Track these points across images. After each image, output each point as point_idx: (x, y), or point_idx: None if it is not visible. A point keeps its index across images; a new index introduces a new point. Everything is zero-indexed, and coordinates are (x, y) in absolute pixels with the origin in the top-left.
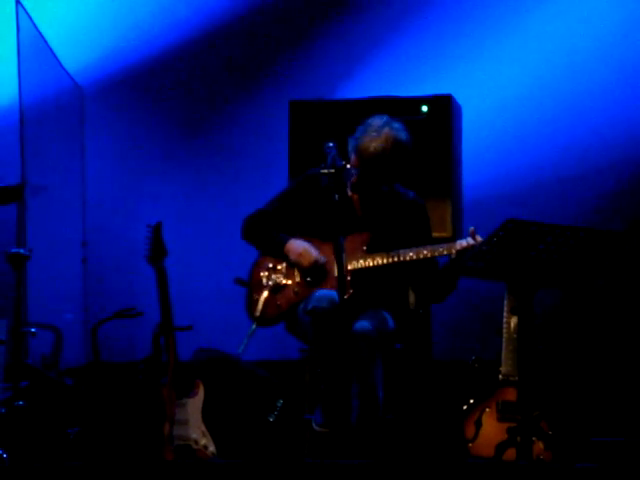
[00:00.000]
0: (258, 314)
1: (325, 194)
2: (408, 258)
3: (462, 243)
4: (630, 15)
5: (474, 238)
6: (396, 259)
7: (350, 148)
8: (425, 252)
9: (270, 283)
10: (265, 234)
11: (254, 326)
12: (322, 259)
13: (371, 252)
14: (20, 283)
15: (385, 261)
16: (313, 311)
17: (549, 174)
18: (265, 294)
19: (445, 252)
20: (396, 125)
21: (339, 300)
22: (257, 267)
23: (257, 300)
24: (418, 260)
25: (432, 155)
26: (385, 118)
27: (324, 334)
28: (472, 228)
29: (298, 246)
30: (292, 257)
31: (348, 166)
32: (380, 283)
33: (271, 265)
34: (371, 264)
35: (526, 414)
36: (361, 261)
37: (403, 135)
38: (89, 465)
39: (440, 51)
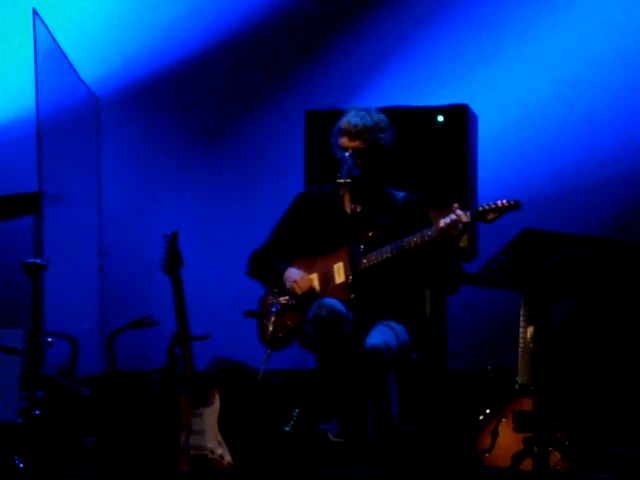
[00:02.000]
0: (269, 338)
1: (328, 204)
2: (401, 248)
3: (446, 221)
4: None
5: (455, 213)
6: (391, 253)
7: (335, 138)
8: (415, 239)
9: (277, 306)
10: (266, 268)
11: (269, 352)
12: (317, 288)
13: (367, 253)
14: (37, 293)
15: (381, 257)
16: (312, 321)
17: (565, 184)
18: (273, 318)
19: (434, 235)
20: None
21: (349, 306)
22: (264, 297)
23: (267, 325)
24: (417, 252)
25: (448, 164)
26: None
27: (326, 343)
28: (455, 204)
29: (294, 275)
30: (287, 286)
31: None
32: (388, 288)
33: (276, 290)
34: (369, 263)
35: (543, 424)
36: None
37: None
38: (105, 475)
39: (456, 61)
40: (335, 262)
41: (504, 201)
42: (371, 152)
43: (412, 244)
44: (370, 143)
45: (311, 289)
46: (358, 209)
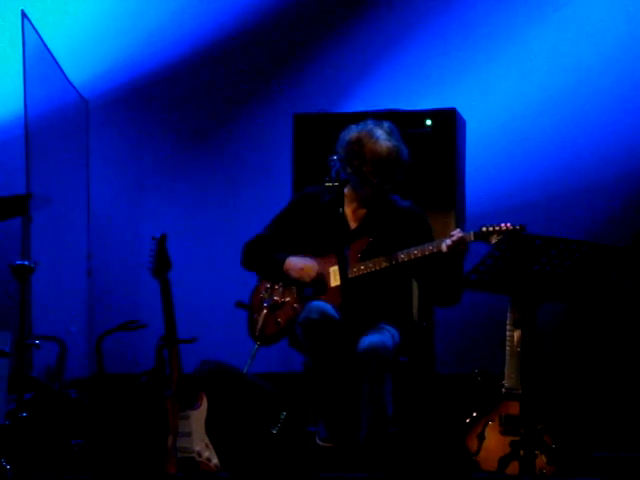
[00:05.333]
0: (258, 333)
1: (328, 207)
2: (400, 260)
3: (447, 243)
4: (636, 27)
5: (458, 234)
6: (388, 263)
7: (352, 160)
8: (415, 252)
9: (269, 302)
10: (263, 258)
11: (257, 346)
12: (323, 273)
13: (364, 260)
14: (25, 295)
15: (378, 266)
16: (303, 323)
17: (553, 188)
18: (264, 313)
19: (435, 250)
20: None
21: (340, 311)
22: (256, 290)
23: (257, 320)
24: (417, 263)
25: (436, 168)
26: (370, 122)
27: (316, 345)
28: (457, 229)
29: (298, 262)
30: (293, 274)
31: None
32: (380, 294)
33: (269, 285)
34: (365, 271)
35: (529, 428)
36: (354, 269)
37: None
38: (93, 478)
39: (445, 65)
40: (331, 265)
41: (508, 224)
42: (395, 176)
43: (412, 257)
44: (396, 169)
45: (320, 274)
46: (360, 214)
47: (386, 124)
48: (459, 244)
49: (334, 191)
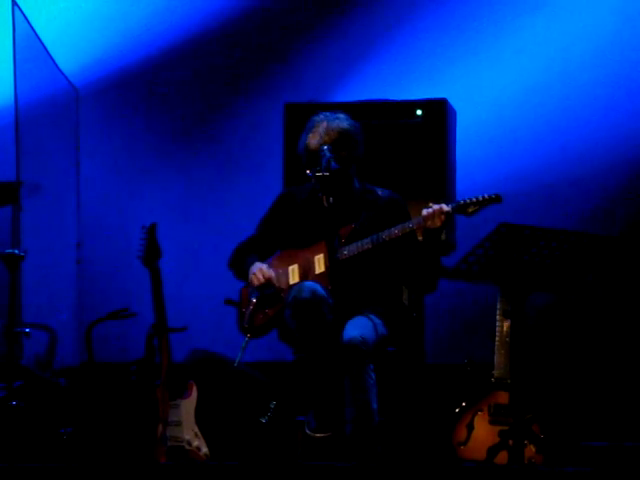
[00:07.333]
0: (247, 325)
1: (308, 201)
2: (382, 240)
3: (428, 210)
4: (624, 19)
5: (437, 204)
6: (369, 246)
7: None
8: (396, 231)
9: (256, 295)
10: (239, 261)
11: (247, 338)
12: (276, 283)
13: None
14: (14, 284)
15: (360, 250)
16: (293, 302)
17: (543, 178)
18: (252, 306)
19: (415, 226)
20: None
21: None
22: (244, 287)
23: (245, 313)
24: (399, 247)
25: (427, 159)
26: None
27: (305, 324)
28: (431, 202)
29: (256, 266)
30: (249, 277)
31: (318, 174)
32: (366, 280)
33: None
34: (350, 254)
35: (518, 417)
36: (344, 252)
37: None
38: (82, 466)
39: (435, 55)
40: (316, 254)
41: (485, 195)
42: (354, 146)
43: (393, 236)
44: (353, 138)
45: (269, 280)
46: (338, 203)
47: (340, 114)
48: (439, 212)
49: (310, 187)
